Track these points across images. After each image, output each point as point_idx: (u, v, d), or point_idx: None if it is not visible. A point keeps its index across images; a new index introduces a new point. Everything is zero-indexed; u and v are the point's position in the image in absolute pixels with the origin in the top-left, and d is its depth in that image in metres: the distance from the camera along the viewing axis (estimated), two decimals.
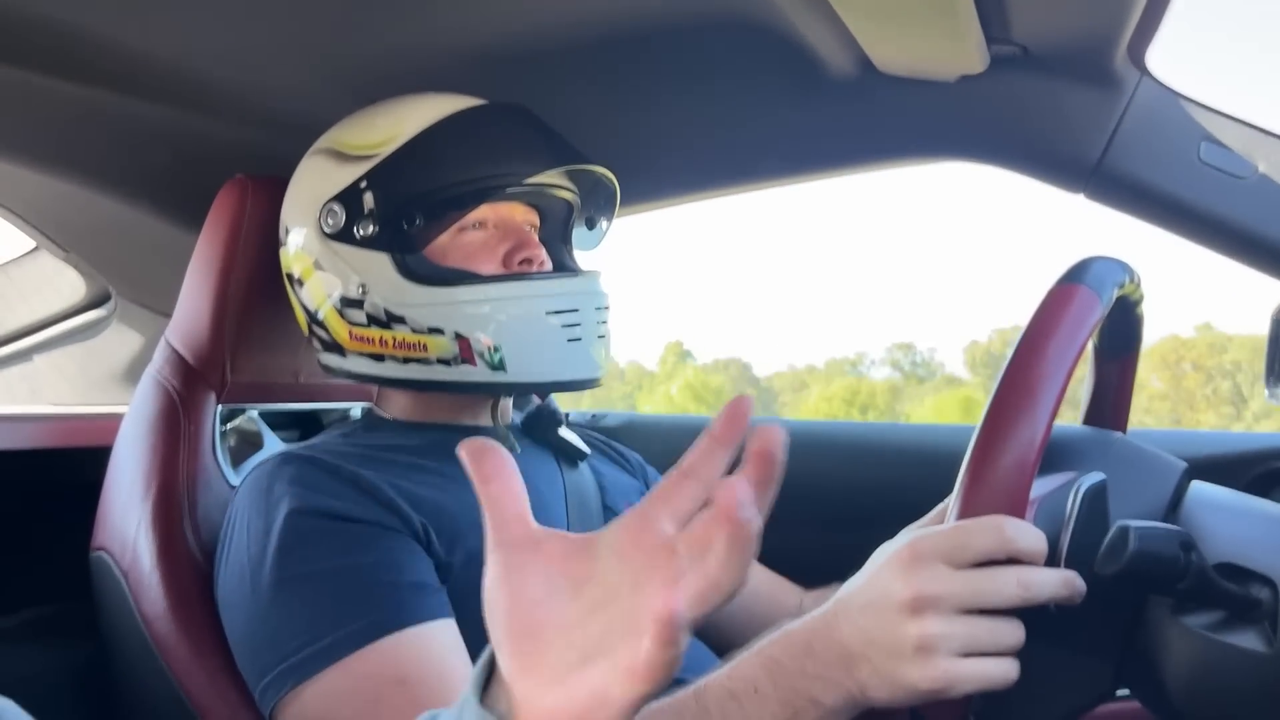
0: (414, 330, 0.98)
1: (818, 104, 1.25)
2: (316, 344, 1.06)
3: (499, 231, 1.03)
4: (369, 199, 0.98)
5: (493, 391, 1.02)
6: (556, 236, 1.11)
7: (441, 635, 0.84)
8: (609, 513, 1.07)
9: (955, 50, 1.05)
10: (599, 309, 1.01)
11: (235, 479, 1.08)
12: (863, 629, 0.63)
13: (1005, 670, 0.62)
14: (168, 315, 1.15)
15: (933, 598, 0.61)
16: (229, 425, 1.15)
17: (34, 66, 1.06)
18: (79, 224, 1.46)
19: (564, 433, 1.10)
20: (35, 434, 1.36)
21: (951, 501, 0.66)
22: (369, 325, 1.00)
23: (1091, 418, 0.95)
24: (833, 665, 0.64)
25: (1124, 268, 0.74)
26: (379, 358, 1.00)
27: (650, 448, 1.61)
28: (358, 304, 1.00)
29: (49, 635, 1.18)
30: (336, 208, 0.99)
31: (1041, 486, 0.73)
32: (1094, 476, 0.68)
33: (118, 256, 1.50)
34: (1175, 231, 1.12)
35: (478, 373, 0.98)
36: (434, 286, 0.98)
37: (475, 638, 0.87)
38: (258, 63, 1.14)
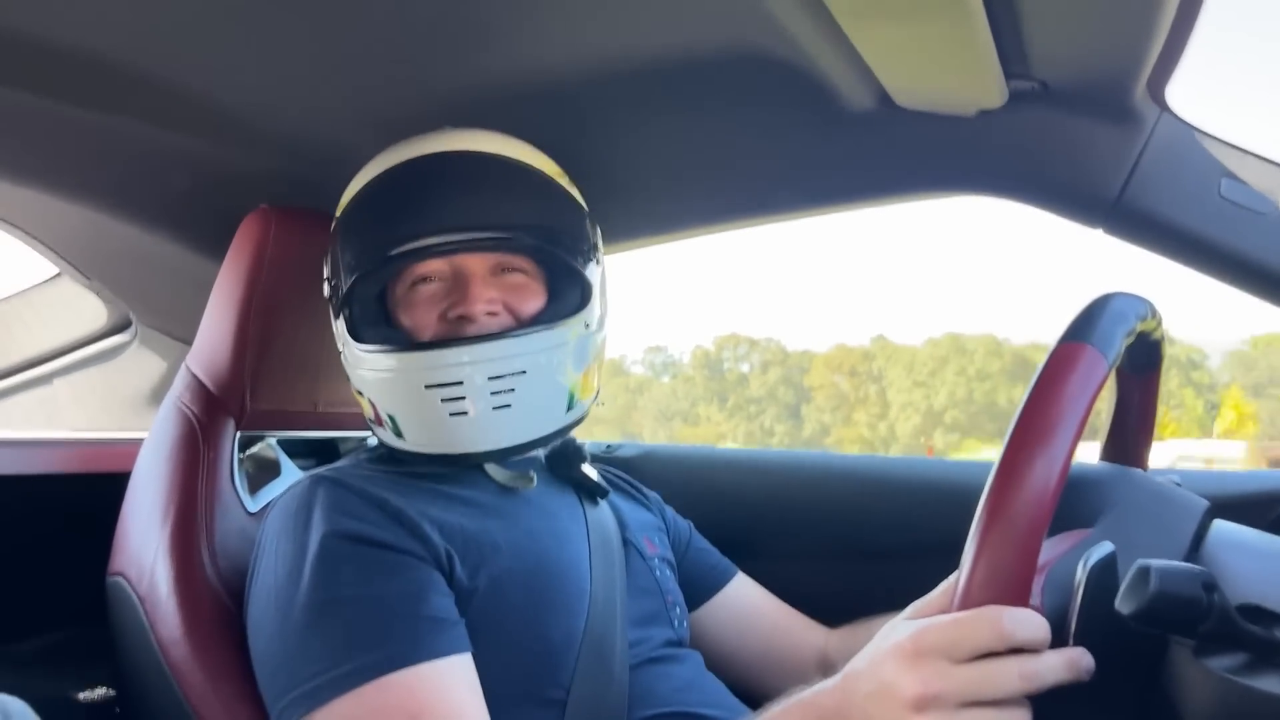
0: (356, 389, 1.04)
1: (836, 137, 1.25)
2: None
3: (446, 284, 1.00)
4: (330, 260, 1.03)
5: (404, 460, 1.02)
6: (561, 267, 1.05)
7: (455, 672, 0.84)
8: (629, 547, 1.07)
9: (974, 85, 1.05)
10: (495, 378, 0.95)
11: (253, 506, 1.09)
12: (869, 718, 0.65)
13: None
14: (188, 342, 1.16)
15: (936, 695, 0.63)
16: (247, 452, 1.15)
17: (60, 95, 1.07)
18: (102, 251, 1.47)
19: (586, 469, 1.10)
20: (54, 459, 1.37)
21: (957, 585, 0.65)
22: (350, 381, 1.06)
23: (1111, 453, 0.94)
24: None
25: (1135, 313, 0.73)
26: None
27: (666, 479, 1.61)
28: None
29: (65, 660, 1.19)
30: (326, 267, 1.04)
31: (1053, 548, 0.73)
32: (1103, 548, 0.67)
33: (139, 283, 1.52)
34: (1196, 268, 1.11)
35: (388, 437, 1.02)
36: (358, 350, 1.00)
37: (498, 659, 0.87)
38: (283, 94, 1.15)
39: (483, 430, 0.96)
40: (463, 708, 0.82)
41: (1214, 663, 0.63)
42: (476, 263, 0.99)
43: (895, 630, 0.68)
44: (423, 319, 0.99)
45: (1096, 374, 0.66)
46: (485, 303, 0.98)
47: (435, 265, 0.99)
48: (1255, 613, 0.63)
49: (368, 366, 0.99)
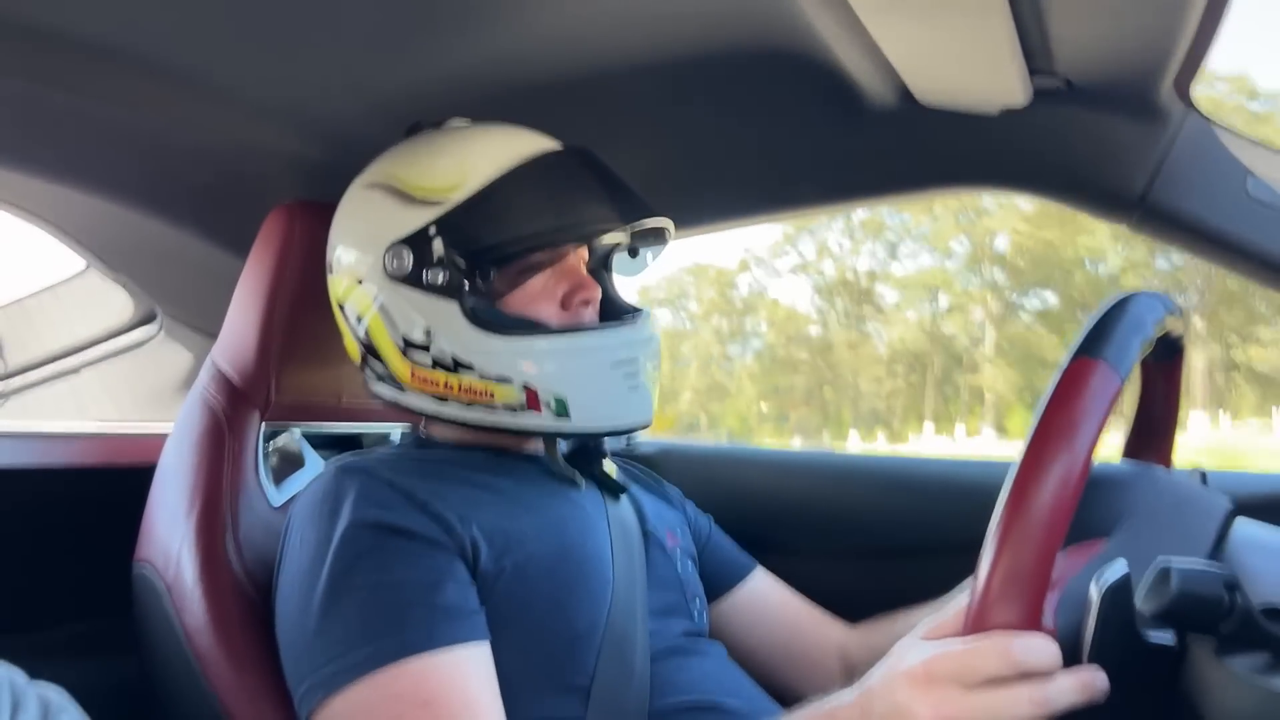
0: (481, 377, 0.98)
1: (859, 133, 1.25)
2: (370, 374, 1.06)
3: (555, 273, 1.03)
4: (438, 246, 0.97)
5: (555, 436, 1.03)
6: (601, 266, 1.12)
7: (470, 660, 0.84)
8: (649, 540, 1.08)
9: (997, 83, 1.05)
10: (654, 354, 1.03)
11: (278, 498, 1.10)
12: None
13: None
14: (213, 336, 1.17)
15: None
16: (272, 445, 1.16)
17: (86, 92, 1.09)
18: (128, 245, 1.49)
19: (607, 465, 1.11)
20: (81, 451, 1.39)
21: (968, 607, 0.65)
22: (434, 369, 0.99)
23: (1134, 448, 0.94)
24: None
25: (1160, 307, 0.73)
26: (442, 399, 1.00)
27: (685, 475, 1.62)
28: (422, 347, 0.99)
29: (91, 649, 1.20)
30: (404, 251, 0.98)
31: (1067, 562, 0.72)
32: (1117, 566, 0.66)
33: (165, 277, 1.53)
34: (1222, 265, 1.10)
35: (542, 420, 0.98)
36: (503, 336, 0.97)
37: (522, 647, 0.87)
38: (306, 90, 1.16)
39: (644, 403, 1.01)
40: (475, 696, 0.82)
41: (1235, 663, 0.63)
42: (574, 252, 1.04)
43: (909, 652, 0.69)
44: (545, 306, 1.01)
45: (1108, 391, 0.65)
46: (597, 289, 1.04)
47: (544, 255, 1.02)
48: (1278, 613, 0.63)
49: (537, 350, 0.98)
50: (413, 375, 1.00)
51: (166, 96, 1.13)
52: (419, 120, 1.08)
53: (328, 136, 1.25)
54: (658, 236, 1.11)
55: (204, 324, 1.55)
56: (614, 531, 1.04)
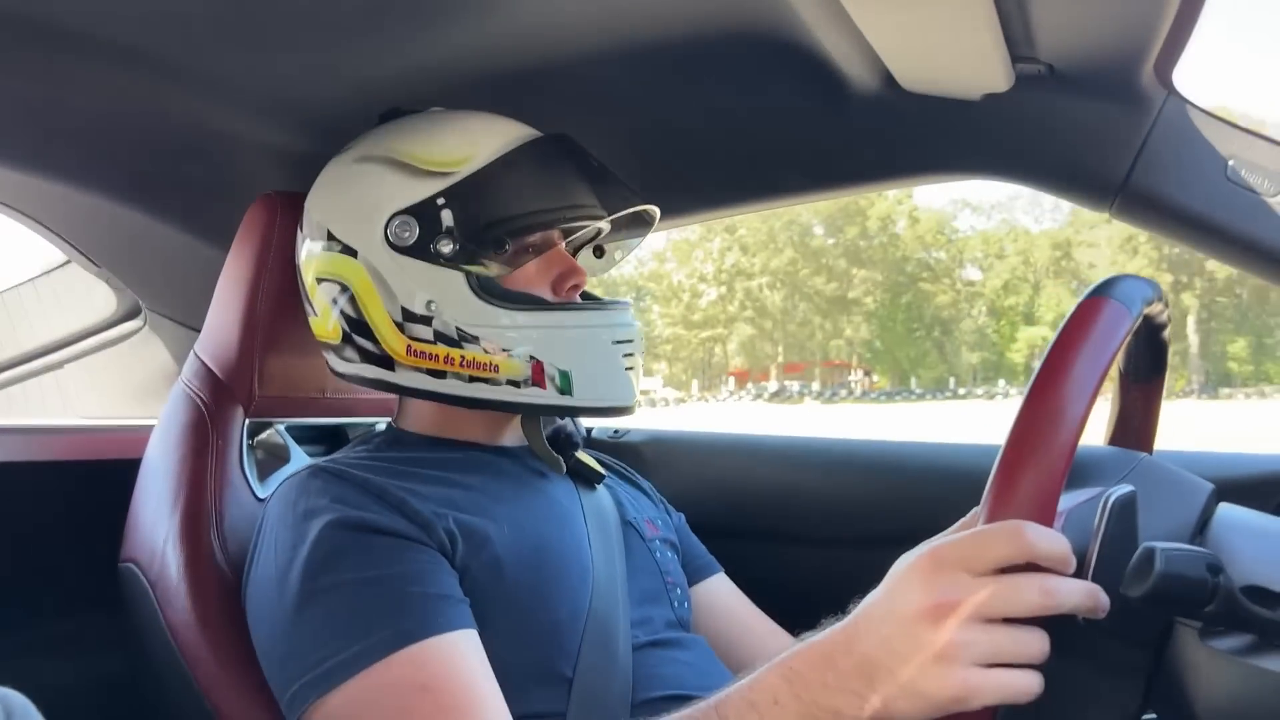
0: (486, 350, 0.98)
1: (842, 120, 1.25)
2: (351, 355, 1.03)
3: (546, 259, 1.04)
4: (447, 216, 0.97)
5: (553, 414, 1.04)
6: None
7: (464, 645, 0.84)
8: (628, 529, 1.08)
9: (979, 68, 1.05)
10: (642, 338, 1.05)
11: (262, 492, 1.09)
12: (884, 639, 0.63)
13: (1028, 683, 0.61)
14: (197, 329, 1.16)
15: (952, 605, 0.61)
16: (256, 439, 1.16)
17: (66, 84, 1.08)
18: (110, 238, 1.48)
19: (581, 455, 1.11)
20: (66, 447, 1.38)
21: (980, 509, 0.65)
22: (435, 342, 0.98)
23: (1117, 439, 0.94)
24: (853, 677, 0.64)
25: (1152, 287, 0.74)
26: (439, 374, 0.99)
27: (674, 464, 1.62)
28: (423, 320, 0.98)
29: (77, 646, 1.20)
30: (410, 221, 0.97)
31: (1070, 500, 0.73)
32: (1123, 489, 0.67)
33: (147, 271, 1.52)
34: (1203, 250, 1.11)
35: (545, 395, 0.99)
36: (510, 309, 0.98)
37: (504, 639, 0.87)
38: (287, 80, 1.16)
39: (631, 386, 1.04)
40: (476, 679, 0.82)
41: (1220, 644, 0.64)
42: (558, 238, 1.06)
43: (911, 554, 0.66)
44: (540, 289, 1.03)
45: (1122, 322, 0.67)
46: (585, 275, 1.06)
47: (535, 238, 1.03)
48: (1260, 594, 0.64)
49: (544, 324, 0.99)
50: (408, 350, 0.99)
51: (147, 88, 1.12)
52: (397, 106, 1.08)
53: (309, 126, 1.25)
54: (643, 227, 1.14)
55: (188, 318, 1.54)
56: (591, 521, 1.04)
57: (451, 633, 0.84)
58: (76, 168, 1.25)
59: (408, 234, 0.97)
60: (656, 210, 1.10)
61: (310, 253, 1.04)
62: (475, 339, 0.98)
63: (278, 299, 1.11)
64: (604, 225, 1.12)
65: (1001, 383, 40.21)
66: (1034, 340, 39.53)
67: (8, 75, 1.04)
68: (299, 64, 1.13)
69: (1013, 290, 42.77)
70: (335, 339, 1.03)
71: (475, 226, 0.98)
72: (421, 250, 0.97)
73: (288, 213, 1.11)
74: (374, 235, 0.98)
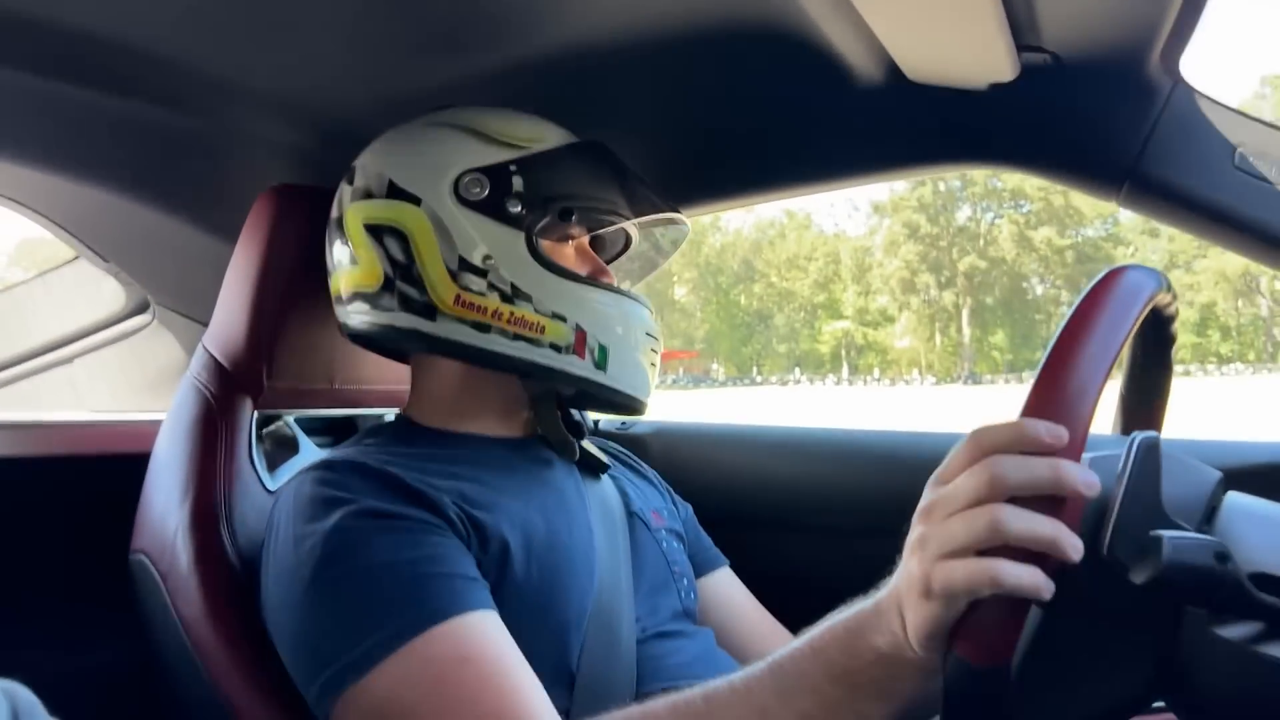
0: (537, 310, 1.01)
1: (847, 110, 1.25)
2: (389, 301, 1.02)
3: (580, 247, 1.10)
4: (518, 182, 1.02)
5: (581, 387, 1.04)
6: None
7: (494, 621, 0.85)
8: (634, 520, 1.08)
9: (985, 58, 1.05)
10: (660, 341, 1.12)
11: (272, 484, 1.10)
12: (895, 577, 0.68)
13: (1026, 575, 0.59)
14: (205, 323, 1.17)
15: (931, 504, 0.65)
16: (265, 431, 1.16)
17: (74, 79, 1.08)
18: (118, 233, 1.48)
19: (587, 445, 1.11)
20: (76, 440, 1.38)
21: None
22: (487, 294, 1.00)
23: (1126, 426, 0.94)
24: (875, 621, 0.69)
25: (1161, 279, 0.74)
26: (484, 328, 1.00)
27: (680, 455, 1.62)
28: (479, 271, 1.00)
29: (88, 638, 1.20)
30: (481, 178, 1.01)
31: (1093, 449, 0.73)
32: (1149, 435, 0.67)
33: (155, 265, 1.53)
34: (1210, 239, 1.11)
35: (581, 366, 1.02)
36: (562, 278, 1.02)
37: (510, 630, 0.87)
38: (296, 76, 1.16)
39: (650, 383, 1.10)
40: (508, 651, 0.83)
41: (1227, 632, 0.64)
42: (587, 239, 1.12)
43: None
44: (580, 271, 1.08)
45: (1146, 286, 0.69)
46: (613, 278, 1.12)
47: (575, 230, 1.09)
48: (1269, 582, 0.64)
49: (593, 299, 1.04)
50: (456, 299, 1.00)
51: (156, 84, 1.12)
52: (409, 106, 1.08)
53: (318, 122, 1.25)
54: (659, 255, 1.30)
55: (196, 312, 1.55)
56: (596, 512, 1.04)
57: (482, 611, 0.84)
58: (85, 163, 1.25)
59: (478, 190, 1.02)
60: (687, 224, 1.21)
61: (362, 201, 1.04)
62: (528, 297, 1.00)
63: (285, 291, 1.11)
64: (633, 232, 1.22)
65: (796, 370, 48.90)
66: (836, 333, 48.59)
67: (18, 71, 1.04)
68: (308, 60, 1.13)
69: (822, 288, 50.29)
70: (373, 285, 1.02)
71: (542, 197, 1.02)
72: (489, 207, 1.01)
73: (294, 204, 1.12)
74: (442, 187, 1.01)
